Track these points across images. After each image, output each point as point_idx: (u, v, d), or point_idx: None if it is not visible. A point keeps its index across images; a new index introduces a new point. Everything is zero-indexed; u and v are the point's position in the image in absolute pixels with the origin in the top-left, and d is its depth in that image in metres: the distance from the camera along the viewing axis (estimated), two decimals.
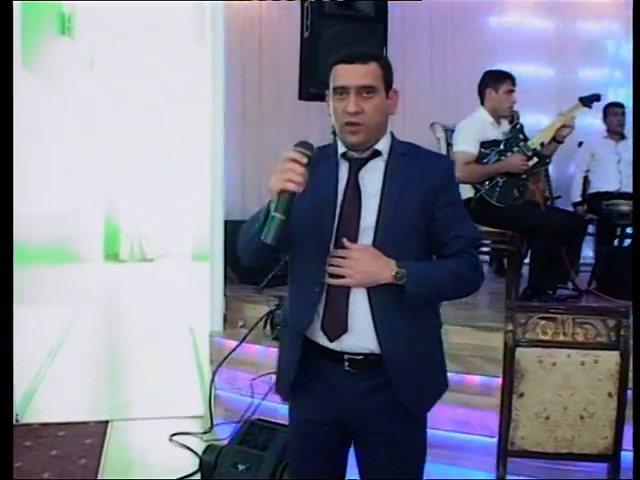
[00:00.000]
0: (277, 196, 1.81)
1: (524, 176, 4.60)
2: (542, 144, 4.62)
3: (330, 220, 1.95)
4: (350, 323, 1.95)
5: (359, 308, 1.94)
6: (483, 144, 4.61)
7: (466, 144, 4.62)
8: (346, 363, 1.98)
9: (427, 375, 2.06)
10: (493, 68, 4.90)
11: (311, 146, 1.89)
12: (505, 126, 4.76)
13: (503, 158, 4.56)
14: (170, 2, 6.70)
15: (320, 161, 1.94)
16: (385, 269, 1.87)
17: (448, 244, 1.99)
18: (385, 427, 2.01)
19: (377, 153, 2.00)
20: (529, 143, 4.59)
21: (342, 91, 1.94)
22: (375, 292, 1.93)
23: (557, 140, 4.58)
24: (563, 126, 4.53)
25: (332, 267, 1.89)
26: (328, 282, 1.91)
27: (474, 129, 4.67)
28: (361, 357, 1.97)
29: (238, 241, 2.03)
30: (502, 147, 4.59)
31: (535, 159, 4.59)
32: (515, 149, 4.58)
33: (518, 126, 4.68)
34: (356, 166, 1.99)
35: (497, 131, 4.69)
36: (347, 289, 1.93)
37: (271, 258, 2.00)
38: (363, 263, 1.87)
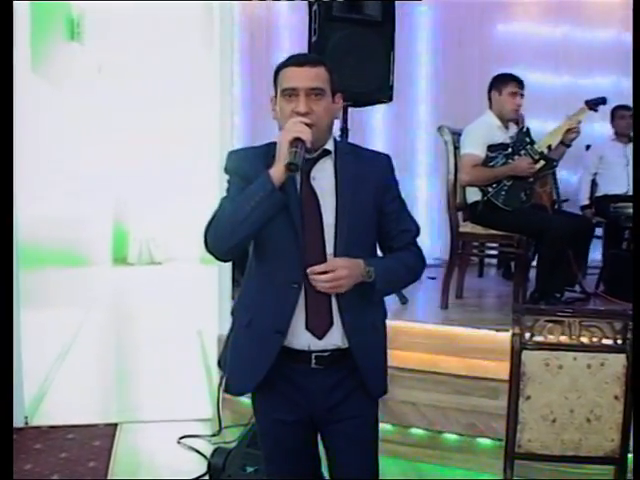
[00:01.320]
0: (289, 145, 1.90)
1: (531, 179, 4.60)
2: (549, 147, 4.62)
3: (298, 216, 1.99)
4: None
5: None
6: (490, 147, 4.62)
7: (473, 147, 4.63)
8: (313, 361, 2.04)
9: (384, 359, 2.19)
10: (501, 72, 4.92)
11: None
12: (513, 130, 4.77)
13: (510, 161, 4.57)
14: (179, 6, 6.73)
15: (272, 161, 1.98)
16: (358, 270, 1.96)
17: (396, 238, 2.12)
18: (349, 415, 2.10)
19: (326, 152, 2.07)
20: (536, 146, 4.59)
21: (291, 93, 2.00)
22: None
23: (565, 144, 4.59)
24: (570, 130, 4.54)
25: (320, 283, 1.94)
26: (323, 291, 1.96)
27: (481, 132, 4.68)
28: (327, 353, 2.04)
29: (216, 230, 2.00)
30: (509, 150, 4.59)
31: (542, 162, 4.59)
32: (522, 152, 4.58)
33: (524, 129, 4.68)
34: (306, 167, 2.02)
35: (505, 135, 4.70)
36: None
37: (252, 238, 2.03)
38: (346, 272, 1.93)
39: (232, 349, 2.17)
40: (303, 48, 4.73)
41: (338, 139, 2.17)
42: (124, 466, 3.61)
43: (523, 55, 6.81)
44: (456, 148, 4.84)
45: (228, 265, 4.46)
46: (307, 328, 2.01)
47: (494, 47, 6.92)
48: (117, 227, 10.16)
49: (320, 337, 2.02)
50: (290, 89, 2.00)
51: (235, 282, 4.71)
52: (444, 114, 6.54)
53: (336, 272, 1.92)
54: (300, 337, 2.02)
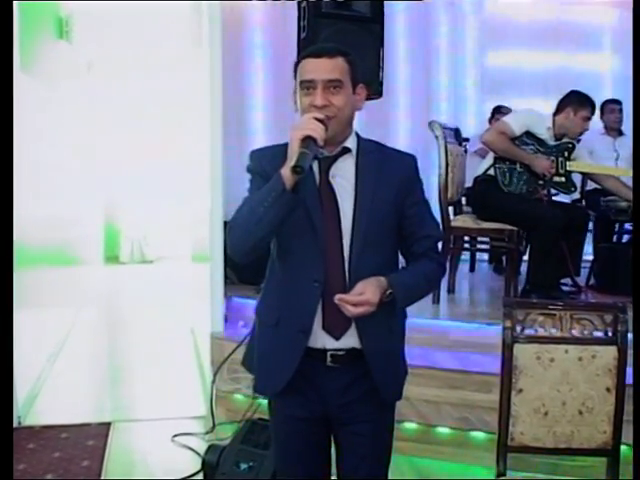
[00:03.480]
0: (300, 143, 1.85)
1: (541, 182, 4.62)
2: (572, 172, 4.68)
3: (318, 214, 1.97)
4: None
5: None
6: (529, 134, 4.67)
7: (513, 121, 4.71)
8: (329, 359, 2.03)
9: (398, 364, 2.17)
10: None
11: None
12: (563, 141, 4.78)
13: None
14: (167, 6, 6.71)
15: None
16: (382, 295, 1.90)
17: (418, 242, 2.06)
18: (363, 416, 2.08)
19: (346, 150, 2.02)
20: (568, 163, 4.63)
21: (309, 85, 1.95)
22: (354, 282, 1.95)
23: None
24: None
25: (347, 312, 1.88)
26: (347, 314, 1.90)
27: (530, 119, 4.74)
28: (343, 352, 2.02)
29: (234, 232, 1.98)
30: (543, 148, 4.63)
31: (563, 179, 4.63)
32: (552, 158, 4.62)
33: (570, 145, 4.71)
34: (326, 164, 2.00)
35: (549, 139, 4.71)
36: (344, 287, 1.96)
37: (269, 243, 2.02)
38: (374, 305, 1.88)
39: (259, 349, 2.14)
40: (292, 46, 4.74)
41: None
42: (118, 465, 3.61)
43: (514, 35, 6.83)
44: (446, 143, 4.85)
45: (220, 263, 4.46)
46: (324, 328, 2.00)
47: (482, 30, 6.94)
48: (108, 226, 10.15)
49: (337, 338, 2.01)
50: (307, 81, 1.95)
51: (227, 280, 4.71)
52: (435, 108, 6.57)
53: (365, 307, 1.87)
54: (317, 336, 2.01)
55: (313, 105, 1.93)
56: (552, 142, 4.71)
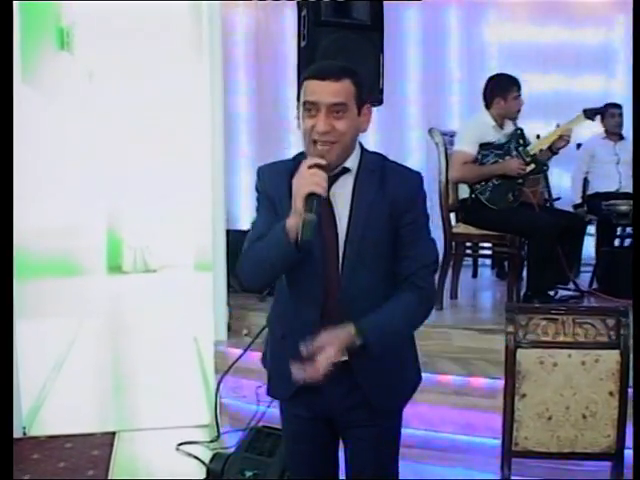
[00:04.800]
0: (305, 200, 1.83)
1: (520, 181, 4.62)
2: (541, 151, 4.64)
3: (317, 236, 1.92)
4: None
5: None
6: (482, 145, 4.63)
7: (465, 144, 4.66)
8: None
9: (396, 376, 2.11)
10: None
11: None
12: (508, 127, 4.76)
13: (501, 161, 4.59)
14: (166, 7, 6.73)
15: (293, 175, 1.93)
16: (346, 342, 1.89)
17: (401, 263, 2.00)
18: (365, 421, 2.08)
19: (346, 170, 1.99)
20: (528, 149, 4.62)
21: (312, 107, 1.90)
22: (346, 302, 1.98)
23: (552, 150, 4.60)
24: (561, 137, 4.55)
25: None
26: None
27: (474, 131, 4.71)
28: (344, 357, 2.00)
29: (244, 267, 2.02)
30: (501, 150, 4.61)
31: (533, 165, 4.62)
32: (514, 153, 4.60)
33: (519, 131, 4.69)
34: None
35: (499, 134, 4.70)
36: (338, 304, 1.98)
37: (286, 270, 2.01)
38: (332, 356, 1.86)
39: (271, 357, 2.19)
40: (292, 53, 4.76)
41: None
42: (123, 474, 3.61)
43: (511, 56, 6.83)
44: (447, 149, 4.86)
45: (223, 271, 4.46)
46: None
47: (482, 49, 6.95)
48: (111, 235, 10.16)
49: None
50: (310, 103, 1.90)
51: (230, 288, 4.72)
52: (434, 116, 6.58)
53: (327, 362, 1.85)
54: None
55: (316, 131, 1.90)
56: (503, 138, 4.68)
